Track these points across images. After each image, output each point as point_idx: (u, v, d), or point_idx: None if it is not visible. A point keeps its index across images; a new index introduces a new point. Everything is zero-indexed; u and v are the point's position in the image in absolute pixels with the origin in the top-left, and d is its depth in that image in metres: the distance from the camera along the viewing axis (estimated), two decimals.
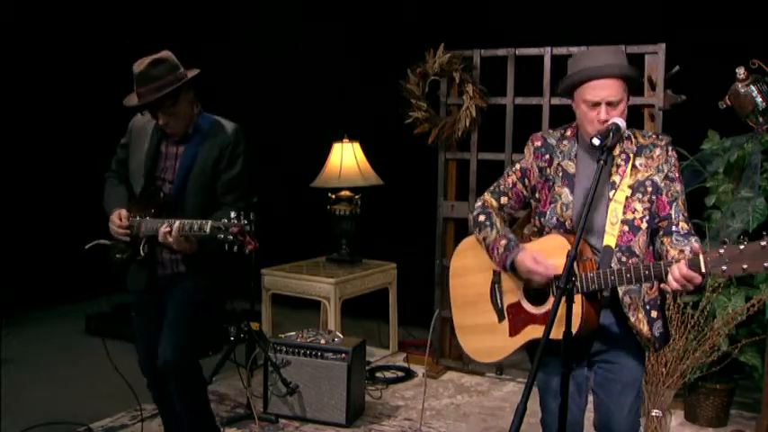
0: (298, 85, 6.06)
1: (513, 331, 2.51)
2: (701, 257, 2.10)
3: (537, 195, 2.55)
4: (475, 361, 2.71)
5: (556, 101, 4.38)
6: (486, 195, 2.66)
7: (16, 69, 5.81)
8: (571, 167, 2.48)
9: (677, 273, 2.15)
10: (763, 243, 2.03)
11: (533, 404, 2.20)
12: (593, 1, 4.77)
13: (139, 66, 2.88)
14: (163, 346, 3.02)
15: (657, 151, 2.44)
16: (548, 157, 2.53)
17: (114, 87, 3.03)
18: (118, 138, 3.26)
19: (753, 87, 3.66)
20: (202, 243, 2.90)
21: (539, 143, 2.57)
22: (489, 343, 2.59)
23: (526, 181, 2.58)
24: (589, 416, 2.63)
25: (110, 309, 5.66)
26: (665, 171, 2.42)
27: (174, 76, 2.87)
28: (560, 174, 2.48)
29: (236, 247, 2.68)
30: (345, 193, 5.03)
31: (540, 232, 2.51)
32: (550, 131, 2.60)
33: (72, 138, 6.15)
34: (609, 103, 2.36)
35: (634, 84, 2.48)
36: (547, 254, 2.40)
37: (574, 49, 4.29)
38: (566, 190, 2.46)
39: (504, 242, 2.49)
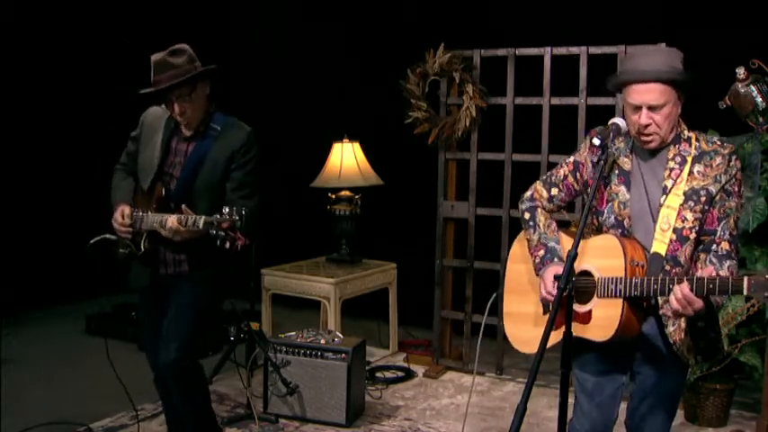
0: (298, 85, 6.06)
1: (555, 325, 2.48)
2: (745, 280, 2.02)
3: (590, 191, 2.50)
4: (516, 350, 2.69)
5: (556, 101, 4.38)
6: (538, 185, 2.64)
7: (16, 68, 5.81)
8: (627, 164, 2.42)
9: (679, 293, 2.12)
10: None
11: (533, 404, 2.20)
12: (593, 1, 4.77)
13: (158, 55, 2.91)
14: (163, 345, 3.01)
15: (718, 160, 2.33)
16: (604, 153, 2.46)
17: (113, 87, 3.03)
18: (118, 138, 3.26)
19: (753, 87, 3.65)
20: (201, 239, 2.88)
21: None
22: (531, 333, 2.57)
23: (578, 174, 2.55)
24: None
25: (110, 309, 5.67)
26: (723, 182, 2.31)
27: (192, 66, 2.92)
28: (616, 171, 2.43)
29: (227, 244, 2.66)
30: (345, 193, 5.03)
31: (599, 231, 2.47)
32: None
33: (72, 138, 6.15)
34: (651, 107, 2.29)
35: (684, 88, 2.35)
36: (596, 253, 2.37)
37: (574, 49, 4.30)
38: (622, 188, 2.40)
39: (541, 252, 2.50)
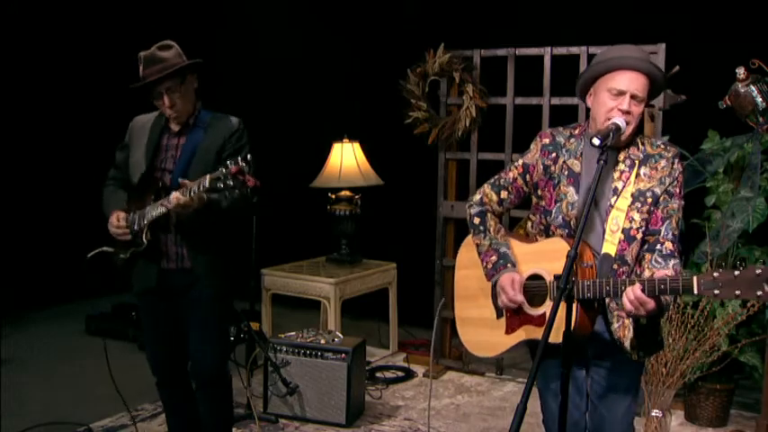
0: (298, 85, 6.06)
1: (510, 329, 2.51)
2: (695, 279, 2.05)
3: (540, 193, 2.52)
4: (473, 355, 2.70)
5: (556, 101, 4.38)
6: (486, 188, 2.65)
7: (18, 71, 5.81)
8: (576, 166, 2.45)
9: (631, 295, 2.15)
10: (758, 271, 1.96)
11: (533, 404, 2.20)
12: (594, 1, 4.77)
13: (146, 51, 2.93)
14: (200, 358, 3.07)
15: (663, 162, 2.39)
16: (554, 155, 2.49)
17: (114, 90, 3.04)
18: (117, 139, 3.25)
19: (753, 87, 3.66)
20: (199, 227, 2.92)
21: (547, 140, 2.53)
22: (486, 338, 2.60)
23: (527, 177, 2.56)
24: None
25: (110, 309, 5.67)
26: (667, 184, 2.38)
27: (180, 59, 2.95)
28: (566, 172, 2.45)
29: (237, 192, 2.68)
30: (345, 193, 5.03)
31: (546, 231, 2.49)
32: (560, 129, 2.56)
33: (71, 139, 6.15)
34: (633, 97, 2.33)
35: (656, 93, 2.43)
36: (545, 257, 2.40)
37: (574, 49, 4.30)
38: (571, 189, 2.43)
39: (494, 258, 2.50)
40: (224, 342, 3.20)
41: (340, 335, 4.14)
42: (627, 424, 2.50)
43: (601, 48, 4.16)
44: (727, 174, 3.99)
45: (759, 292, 1.96)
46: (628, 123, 2.34)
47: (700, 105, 3.88)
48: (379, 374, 4.72)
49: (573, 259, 2.16)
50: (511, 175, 2.60)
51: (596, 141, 2.28)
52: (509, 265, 2.47)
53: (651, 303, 2.15)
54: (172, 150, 3.03)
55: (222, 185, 2.65)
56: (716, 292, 2.02)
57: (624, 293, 2.18)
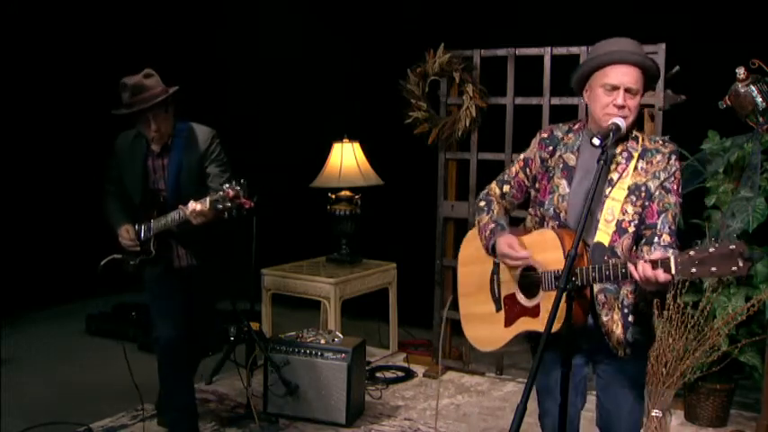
0: (298, 85, 6.06)
1: (508, 322, 2.55)
2: (672, 258, 2.05)
3: (537, 185, 2.58)
4: (478, 351, 2.76)
5: (556, 101, 4.38)
6: (492, 183, 2.74)
7: (18, 72, 5.81)
8: (572, 160, 2.49)
9: (641, 268, 2.12)
10: (732, 246, 1.94)
11: (533, 404, 2.20)
12: (593, 1, 4.78)
13: (131, 79, 3.21)
14: (197, 332, 3.57)
15: (658, 157, 2.40)
16: (551, 148, 2.54)
17: (113, 92, 3.13)
18: (113, 141, 3.51)
19: (753, 87, 3.66)
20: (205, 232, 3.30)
21: (545, 135, 2.59)
22: (487, 332, 2.64)
23: (527, 170, 2.62)
24: (587, 415, 2.64)
25: (110, 309, 5.67)
26: (661, 179, 2.38)
27: (163, 88, 3.26)
28: (561, 165, 2.50)
29: (235, 212, 3.02)
30: (345, 193, 5.03)
31: (541, 223, 2.53)
32: (560, 125, 2.61)
33: (71, 139, 6.15)
34: (627, 90, 2.34)
35: (651, 82, 2.44)
36: (536, 248, 2.42)
37: (574, 49, 4.29)
38: (564, 182, 2.47)
39: (492, 226, 2.58)
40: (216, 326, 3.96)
41: (340, 335, 4.14)
42: (634, 420, 2.51)
43: None
44: (728, 174, 3.98)
45: (734, 267, 1.94)
46: (625, 117, 2.36)
47: (700, 105, 3.88)
48: (379, 374, 4.72)
49: (573, 258, 2.17)
50: (513, 170, 2.68)
51: (596, 141, 2.31)
52: (506, 230, 2.54)
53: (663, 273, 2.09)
54: (159, 171, 3.42)
55: (221, 206, 3.01)
56: (693, 270, 2.00)
57: (636, 266, 2.12)
